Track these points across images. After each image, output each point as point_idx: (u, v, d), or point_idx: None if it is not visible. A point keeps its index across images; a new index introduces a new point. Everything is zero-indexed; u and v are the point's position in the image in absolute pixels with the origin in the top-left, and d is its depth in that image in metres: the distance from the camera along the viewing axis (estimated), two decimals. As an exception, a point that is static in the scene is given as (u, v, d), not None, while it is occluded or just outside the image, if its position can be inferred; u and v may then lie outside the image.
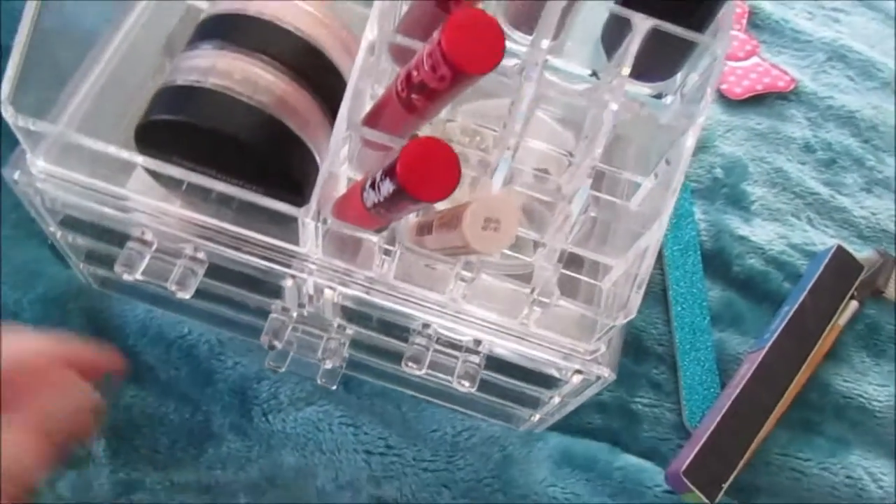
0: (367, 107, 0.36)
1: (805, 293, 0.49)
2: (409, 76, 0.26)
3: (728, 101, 0.59)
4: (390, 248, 0.33)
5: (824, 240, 0.54)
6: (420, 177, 0.23)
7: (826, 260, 0.50)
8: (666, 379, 0.48)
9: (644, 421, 0.47)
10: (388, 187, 0.24)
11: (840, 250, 0.51)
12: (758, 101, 0.59)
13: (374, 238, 0.33)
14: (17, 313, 0.43)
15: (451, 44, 0.22)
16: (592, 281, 0.38)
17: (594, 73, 0.35)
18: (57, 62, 0.37)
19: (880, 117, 0.61)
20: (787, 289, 0.52)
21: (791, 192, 0.56)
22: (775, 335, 0.47)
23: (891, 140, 0.60)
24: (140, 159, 0.31)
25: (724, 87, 0.59)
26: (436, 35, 0.23)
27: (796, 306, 0.48)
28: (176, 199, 0.35)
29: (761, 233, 0.54)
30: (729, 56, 0.60)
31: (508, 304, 0.35)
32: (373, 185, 0.26)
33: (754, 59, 0.61)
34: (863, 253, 0.53)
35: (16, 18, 0.32)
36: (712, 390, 0.47)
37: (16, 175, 0.35)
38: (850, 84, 0.62)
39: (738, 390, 0.45)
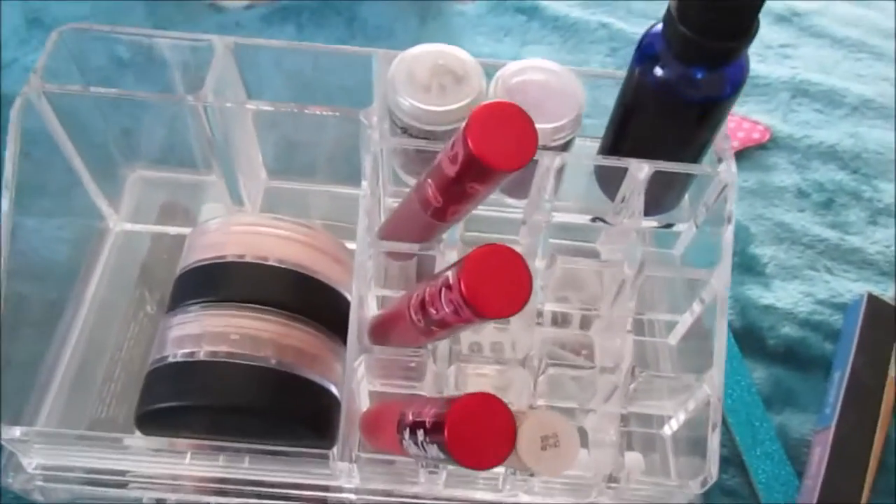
0: (373, 306, 0.33)
1: (852, 355, 0.46)
2: (425, 309, 0.24)
3: (710, 167, 0.58)
4: (435, 470, 0.29)
5: (849, 287, 0.52)
6: (471, 442, 0.20)
7: (861, 312, 0.48)
8: (739, 483, 0.45)
9: (730, 536, 0.43)
10: (435, 452, 0.22)
11: (872, 299, 0.49)
12: (738, 158, 0.58)
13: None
14: None
15: (473, 292, 0.20)
16: (648, 430, 0.35)
17: (597, 219, 0.33)
18: (23, 346, 0.34)
19: (860, 144, 0.60)
20: (830, 350, 0.49)
21: (800, 245, 0.54)
22: (838, 409, 0.45)
23: (877, 165, 0.59)
24: (143, 443, 0.29)
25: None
26: (452, 277, 0.21)
27: (848, 371, 0.46)
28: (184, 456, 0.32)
29: (784, 296, 0.51)
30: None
31: (572, 485, 0.32)
32: (414, 440, 0.23)
33: (722, 118, 0.60)
34: (889, 292, 0.51)
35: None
36: (791, 485, 0.44)
37: (10, 479, 0.31)
38: (820, 117, 0.62)
39: (820, 480, 0.42)
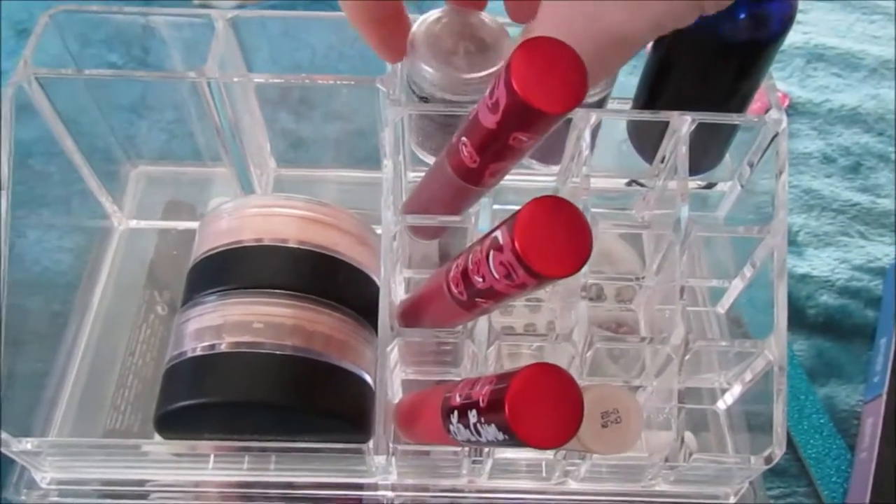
0: (400, 291, 0.31)
1: (897, 320, 0.44)
2: (468, 279, 0.21)
3: (730, 137, 0.56)
4: (480, 458, 0.27)
5: (885, 251, 0.50)
6: (535, 417, 0.18)
7: (902, 275, 0.46)
8: (787, 460, 0.43)
9: (783, 516, 0.41)
10: (492, 433, 0.19)
11: (912, 260, 0.47)
12: (758, 126, 0.56)
13: (458, 448, 0.28)
14: None
15: (528, 249, 0.18)
16: (699, 406, 0.33)
17: (633, 182, 0.31)
18: (30, 357, 0.33)
19: (883, 105, 0.58)
20: (872, 317, 0.47)
21: (831, 211, 0.52)
22: (888, 376, 0.42)
23: (904, 125, 0.57)
24: (162, 448, 0.26)
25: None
26: (502, 236, 0.19)
27: (895, 336, 0.44)
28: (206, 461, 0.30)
29: (819, 264, 0.49)
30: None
31: (624, 469, 0.30)
32: (464, 423, 0.21)
33: (740, 87, 0.58)
34: (928, 251, 0.49)
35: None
36: (843, 458, 0.42)
37: (24, 496, 0.29)
38: (839, 81, 0.60)
39: (876, 451, 0.40)
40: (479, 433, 0.20)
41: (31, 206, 0.33)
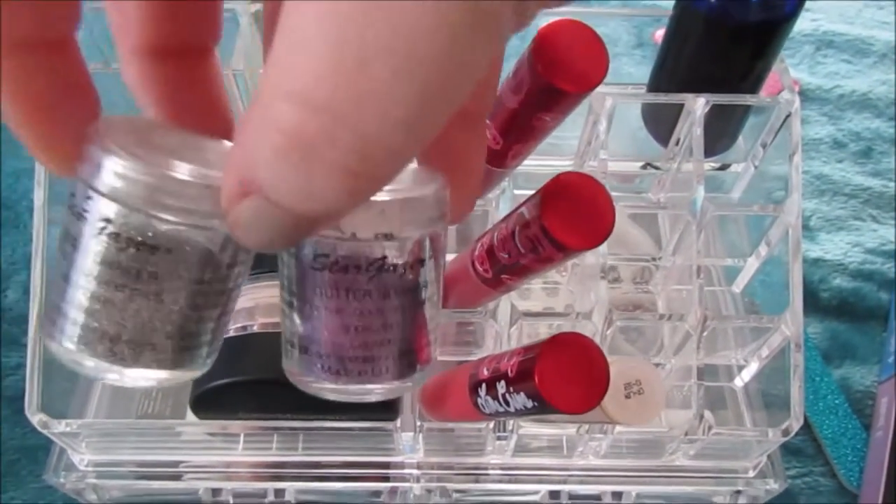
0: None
1: (911, 300, 0.45)
2: (493, 257, 0.22)
3: (742, 125, 0.56)
4: (504, 433, 0.28)
5: (897, 234, 0.51)
6: (563, 383, 0.19)
7: (915, 257, 0.46)
8: (804, 440, 0.43)
9: (800, 495, 0.41)
10: (521, 402, 0.20)
11: (925, 242, 0.47)
12: (769, 113, 0.57)
13: (483, 425, 0.29)
14: None
15: (553, 222, 0.19)
16: (715, 383, 0.33)
17: (647, 165, 0.32)
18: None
19: (893, 91, 0.58)
20: (886, 299, 0.47)
21: (842, 195, 0.53)
22: (902, 357, 0.43)
23: (914, 110, 0.57)
24: (194, 429, 0.27)
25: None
26: (528, 212, 0.20)
27: (908, 317, 0.44)
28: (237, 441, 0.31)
29: (832, 248, 0.50)
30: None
31: (644, 444, 0.30)
32: (493, 394, 0.22)
33: (750, 75, 0.58)
34: (940, 234, 0.49)
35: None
36: (859, 438, 0.42)
37: (62, 478, 0.30)
38: (849, 67, 0.60)
39: (892, 430, 0.41)
40: (507, 403, 0.21)
41: (56, 202, 0.34)
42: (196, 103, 0.17)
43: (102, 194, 0.13)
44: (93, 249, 0.14)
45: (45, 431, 0.27)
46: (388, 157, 0.11)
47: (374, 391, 0.16)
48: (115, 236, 0.14)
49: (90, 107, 0.15)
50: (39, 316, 0.28)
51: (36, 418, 0.27)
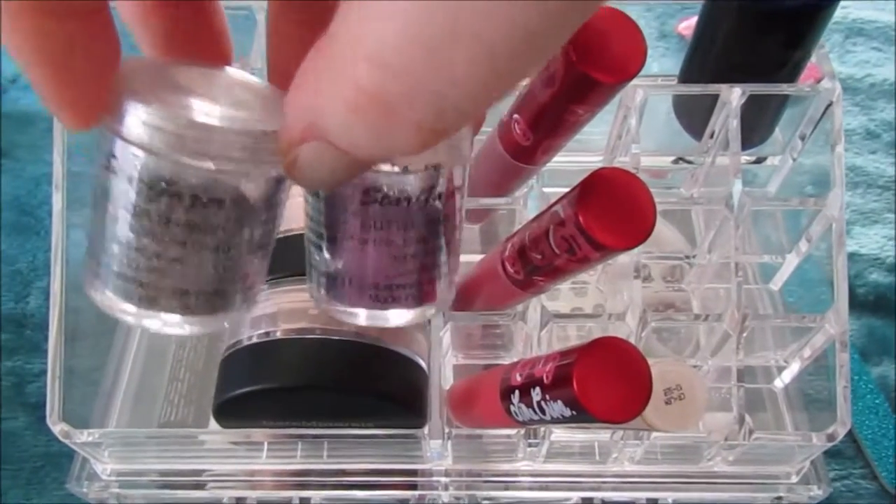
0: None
1: (953, 295, 0.43)
2: (525, 257, 0.21)
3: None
4: (536, 440, 0.27)
5: (935, 226, 0.49)
6: (603, 391, 0.18)
7: (956, 250, 0.45)
8: (843, 441, 0.41)
9: (840, 499, 0.40)
10: (559, 410, 0.19)
11: (966, 235, 0.45)
12: (798, 104, 0.55)
13: (513, 431, 0.28)
14: None
15: (592, 221, 0.18)
16: (754, 385, 0.32)
17: (679, 160, 0.30)
18: (84, 346, 0.33)
19: (928, 78, 0.56)
20: (924, 294, 0.46)
21: (877, 188, 0.51)
22: (944, 354, 0.41)
23: (948, 98, 0.55)
24: (217, 437, 0.27)
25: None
26: (563, 211, 0.19)
27: (950, 313, 0.42)
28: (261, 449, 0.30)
29: (867, 242, 0.48)
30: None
31: (682, 447, 0.29)
32: (527, 401, 0.21)
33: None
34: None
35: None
36: (901, 438, 0.41)
37: (86, 488, 0.30)
38: (880, 55, 0.59)
39: (934, 432, 0.39)
40: (542, 411, 0.20)
41: (76, 207, 0.34)
42: (199, 37, 0.17)
43: (130, 142, 0.14)
44: (125, 199, 0.14)
45: (66, 441, 0.27)
46: (461, 117, 0.12)
47: (402, 315, 0.18)
48: (146, 185, 0.14)
49: (113, 54, 0.15)
50: (59, 319, 0.28)
51: (57, 428, 0.27)
